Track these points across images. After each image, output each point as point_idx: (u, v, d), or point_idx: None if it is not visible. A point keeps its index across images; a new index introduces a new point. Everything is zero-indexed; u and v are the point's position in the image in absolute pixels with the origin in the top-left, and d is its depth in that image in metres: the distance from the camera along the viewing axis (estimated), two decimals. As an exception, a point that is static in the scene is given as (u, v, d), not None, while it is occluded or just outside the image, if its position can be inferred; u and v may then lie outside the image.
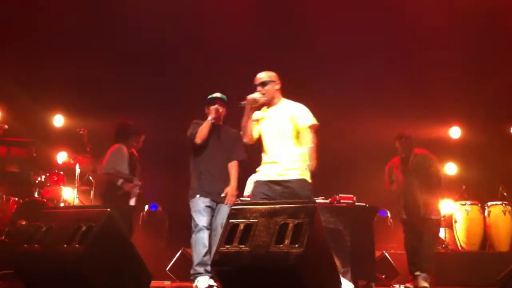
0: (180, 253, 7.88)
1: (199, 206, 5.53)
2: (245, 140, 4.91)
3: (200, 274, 5.32)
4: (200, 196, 5.57)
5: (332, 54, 9.08)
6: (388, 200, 7.95)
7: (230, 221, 3.52)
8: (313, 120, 4.88)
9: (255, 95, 4.84)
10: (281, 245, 3.23)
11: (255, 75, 4.99)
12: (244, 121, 4.84)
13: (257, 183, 4.82)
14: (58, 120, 9.31)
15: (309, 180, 4.80)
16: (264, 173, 4.82)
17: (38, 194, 7.74)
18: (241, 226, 3.44)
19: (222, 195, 5.68)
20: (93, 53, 9.13)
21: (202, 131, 5.65)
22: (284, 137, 4.82)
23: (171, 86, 9.44)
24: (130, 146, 6.64)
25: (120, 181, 6.36)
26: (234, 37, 9.04)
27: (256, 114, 4.96)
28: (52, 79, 9.12)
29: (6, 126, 7.73)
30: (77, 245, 3.46)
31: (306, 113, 4.89)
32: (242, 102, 4.80)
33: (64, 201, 7.85)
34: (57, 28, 9.16)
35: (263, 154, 4.93)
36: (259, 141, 4.97)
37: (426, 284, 6.19)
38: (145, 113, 8.76)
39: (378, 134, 7.72)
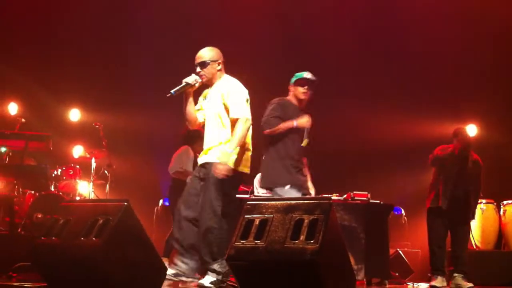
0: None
1: None
2: (189, 126, 4.74)
3: None
4: (292, 187, 5.30)
5: (347, 50, 9.06)
6: (402, 197, 7.94)
7: (245, 216, 3.53)
8: (245, 111, 4.51)
9: (190, 79, 4.54)
10: (297, 241, 3.23)
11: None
12: (183, 108, 4.59)
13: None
14: (75, 115, 9.39)
15: (231, 165, 4.43)
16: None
17: (54, 188, 7.80)
18: (257, 222, 3.45)
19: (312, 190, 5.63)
20: (110, 48, 9.19)
21: (278, 131, 5.32)
22: (219, 119, 4.55)
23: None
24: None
25: (189, 178, 6.56)
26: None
27: (200, 100, 4.75)
28: (69, 73, 9.19)
29: (23, 120, 7.81)
30: (94, 238, 3.48)
31: (238, 100, 4.51)
32: (172, 91, 4.45)
33: (80, 195, 7.92)
34: (74, 23, 9.23)
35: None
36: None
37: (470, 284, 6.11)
38: (161, 110, 8.83)
39: (393, 131, 7.70)
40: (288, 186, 5.27)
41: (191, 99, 4.65)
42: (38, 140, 5.98)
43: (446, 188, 6.21)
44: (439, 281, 6.10)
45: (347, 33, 8.99)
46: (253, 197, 6.82)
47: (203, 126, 4.76)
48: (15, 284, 3.92)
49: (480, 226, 7.43)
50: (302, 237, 3.24)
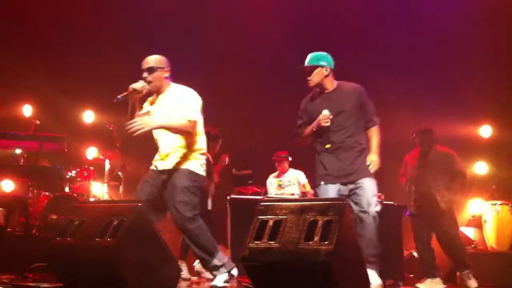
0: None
1: None
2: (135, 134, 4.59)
3: None
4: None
5: (360, 53, 9.05)
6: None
7: (259, 217, 3.54)
8: (192, 115, 4.53)
9: (137, 85, 4.51)
10: (311, 242, 3.24)
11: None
12: (130, 114, 4.57)
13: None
14: (89, 116, 9.45)
15: (193, 170, 4.55)
16: (154, 163, 4.70)
17: (68, 189, 7.86)
18: (270, 223, 3.46)
19: None
20: (125, 49, 9.23)
21: (304, 140, 5.13)
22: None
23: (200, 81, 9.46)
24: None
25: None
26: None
27: (145, 107, 4.72)
28: (83, 75, 9.25)
29: (37, 122, 7.88)
30: (108, 239, 3.51)
31: (189, 104, 4.55)
32: (119, 96, 4.44)
33: (94, 196, 7.97)
34: (88, 24, 9.28)
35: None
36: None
37: (475, 284, 6.11)
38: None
39: (406, 133, 7.64)
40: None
41: (137, 106, 4.65)
42: (53, 142, 6.03)
43: (410, 193, 6.46)
44: (426, 283, 6.15)
45: (357, 30, 8.98)
46: (266, 198, 6.83)
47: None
48: (31, 284, 3.96)
49: (495, 228, 7.38)
50: (316, 238, 3.24)
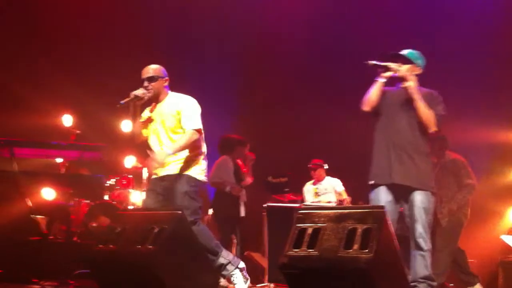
0: (244, 257, 7.95)
1: None
2: (133, 140, 4.88)
3: None
4: None
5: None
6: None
7: (298, 225, 3.54)
8: (197, 124, 4.76)
9: (138, 92, 4.71)
10: (350, 250, 3.23)
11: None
12: (132, 119, 4.77)
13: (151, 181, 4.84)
14: (127, 125, 9.58)
15: (193, 175, 4.68)
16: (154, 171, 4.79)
17: (108, 197, 7.99)
18: (309, 230, 3.46)
19: None
20: (162, 59, 9.35)
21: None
22: (169, 133, 4.75)
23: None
24: (236, 157, 7.21)
25: (227, 188, 7.04)
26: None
27: (145, 114, 4.89)
28: (121, 85, 9.38)
29: (77, 131, 8.05)
30: (149, 246, 3.56)
31: (192, 114, 4.77)
32: (122, 102, 4.66)
33: (132, 204, 8.07)
34: (125, 36, 9.44)
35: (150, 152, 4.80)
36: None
37: None
38: (208, 119, 8.93)
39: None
40: None
41: (137, 112, 4.84)
42: (94, 151, 6.17)
43: None
44: None
45: (392, 32, 8.93)
46: (304, 206, 6.82)
47: (146, 140, 4.93)
48: (73, 291, 4.03)
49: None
50: (355, 246, 3.23)
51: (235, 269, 4.72)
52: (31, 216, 5.44)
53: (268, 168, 8.30)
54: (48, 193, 7.26)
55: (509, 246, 7.84)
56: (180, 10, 9.60)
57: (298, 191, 8.09)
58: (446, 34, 8.91)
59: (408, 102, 4.51)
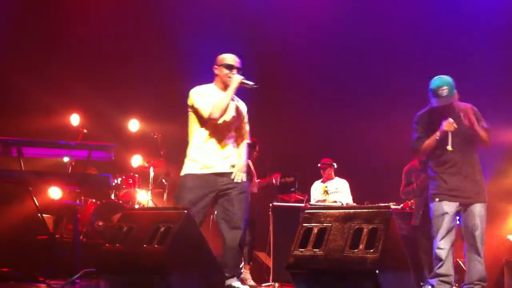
0: (253, 257, 7.97)
1: None
2: (218, 117, 4.60)
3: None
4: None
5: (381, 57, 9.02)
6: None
7: (304, 225, 3.55)
8: None
9: (247, 80, 4.74)
10: (356, 250, 3.24)
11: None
12: (229, 100, 4.65)
13: None
14: (134, 125, 9.62)
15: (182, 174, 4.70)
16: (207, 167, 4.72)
17: (114, 196, 8.02)
18: (315, 230, 3.47)
19: None
20: (169, 59, 9.37)
21: (426, 150, 5.16)
22: (232, 132, 4.81)
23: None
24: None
25: None
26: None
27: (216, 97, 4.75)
28: (129, 84, 9.42)
29: (85, 131, 8.08)
30: (156, 245, 3.58)
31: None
32: (255, 85, 4.70)
33: (139, 203, 8.11)
34: (134, 35, 9.47)
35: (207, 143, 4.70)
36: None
37: None
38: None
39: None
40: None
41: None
42: (102, 150, 6.15)
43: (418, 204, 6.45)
44: None
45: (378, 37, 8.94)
46: (310, 206, 6.84)
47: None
48: (79, 290, 4.06)
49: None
50: (361, 246, 3.24)
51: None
52: (39, 215, 5.46)
53: (275, 168, 8.31)
54: (55, 192, 7.30)
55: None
56: (192, 7, 9.63)
57: (305, 191, 8.10)
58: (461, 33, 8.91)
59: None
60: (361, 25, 9.28)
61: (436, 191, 5.10)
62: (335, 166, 8.06)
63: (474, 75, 8.59)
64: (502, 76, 8.60)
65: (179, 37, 9.38)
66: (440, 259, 4.99)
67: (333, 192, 7.95)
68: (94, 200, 7.78)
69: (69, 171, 7.46)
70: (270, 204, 7.50)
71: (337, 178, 8.07)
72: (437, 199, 5.06)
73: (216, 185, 4.61)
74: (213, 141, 4.68)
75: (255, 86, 4.73)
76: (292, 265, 3.40)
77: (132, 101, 9.43)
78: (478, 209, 5.00)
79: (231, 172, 4.68)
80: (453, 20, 9.07)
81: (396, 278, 3.39)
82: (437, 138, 5.01)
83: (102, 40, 9.45)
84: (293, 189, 7.81)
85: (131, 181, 8.19)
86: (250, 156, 7.40)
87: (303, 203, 7.57)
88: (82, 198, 7.58)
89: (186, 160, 4.71)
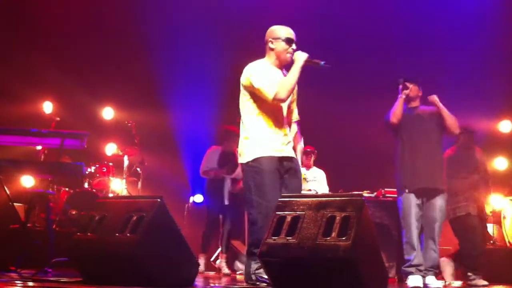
0: (229, 246, 7.98)
1: None
2: (285, 98, 4.22)
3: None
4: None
5: (365, 44, 9.05)
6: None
7: (277, 213, 3.56)
8: None
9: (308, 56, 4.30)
10: (328, 238, 3.25)
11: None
12: (296, 80, 4.26)
13: None
14: (108, 113, 9.52)
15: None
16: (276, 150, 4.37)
17: (88, 185, 7.95)
18: (288, 218, 3.47)
19: None
20: (143, 46, 9.27)
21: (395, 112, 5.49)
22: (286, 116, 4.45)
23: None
24: (227, 147, 7.46)
25: (211, 175, 7.45)
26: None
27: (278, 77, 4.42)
28: (103, 72, 9.32)
29: (57, 118, 7.97)
30: (129, 234, 3.56)
31: None
32: (326, 64, 4.28)
33: (113, 192, 8.05)
34: (108, 22, 9.35)
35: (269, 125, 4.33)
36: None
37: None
38: (192, 107, 8.94)
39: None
40: None
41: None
42: (74, 138, 6.08)
43: (466, 194, 6.30)
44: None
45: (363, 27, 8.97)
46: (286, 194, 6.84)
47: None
48: (51, 279, 4.01)
49: (512, 223, 7.34)
50: (334, 234, 3.25)
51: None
52: (10, 203, 5.38)
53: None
54: (27, 181, 7.21)
55: (488, 233, 7.95)
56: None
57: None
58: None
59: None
60: (339, 12, 9.29)
61: (404, 182, 5.39)
62: (315, 155, 8.08)
63: (443, 68, 8.72)
64: (468, 72, 8.73)
65: (153, 25, 9.29)
66: (413, 249, 5.24)
67: (311, 180, 7.97)
68: (67, 189, 7.69)
69: (42, 160, 7.35)
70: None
71: (314, 167, 8.09)
72: (406, 190, 5.34)
73: (281, 169, 4.27)
74: (275, 122, 4.30)
75: (327, 65, 4.27)
76: (264, 253, 3.41)
77: (106, 89, 9.34)
78: (439, 202, 5.36)
79: (293, 157, 4.38)
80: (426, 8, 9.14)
81: (369, 265, 3.42)
82: (403, 97, 5.47)
83: (76, 28, 9.31)
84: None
85: (105, 170, 8.12)
86: (229, 145, 7.45)
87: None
88: (55, 186, 7.48)
89: (251, 142, 4.26)
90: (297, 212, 3.48)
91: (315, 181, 7.92)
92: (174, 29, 9.33)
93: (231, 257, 7.71)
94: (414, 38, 9.02)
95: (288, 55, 4.30)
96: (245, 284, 4.16)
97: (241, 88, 4.33)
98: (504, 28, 8.65)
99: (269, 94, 4.16)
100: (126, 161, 8.29)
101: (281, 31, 4.34)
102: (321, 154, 8.19)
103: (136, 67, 9.29)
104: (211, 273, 7.47)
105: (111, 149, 8.80)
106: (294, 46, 4.32)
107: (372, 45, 9.08)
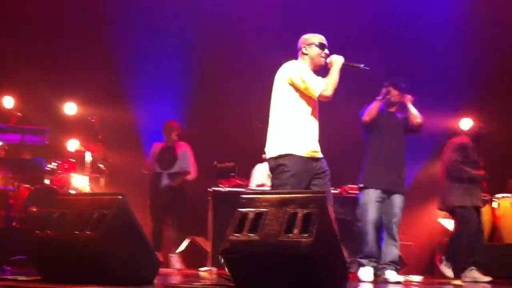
0: (188, 242, 7.98)
1: None
2: (331, 96, 4.35)
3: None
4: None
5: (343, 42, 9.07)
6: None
7: (240, 209, 3.55)
8: None
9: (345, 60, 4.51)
10: (291, 234, 3.26)
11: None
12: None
13: None
14: (70, 108, 9.38)
15: None
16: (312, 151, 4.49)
17: (49, 181, 7.82)
18: (251, 215, 3.47)
19: None
20: (106, 41, 9.17)
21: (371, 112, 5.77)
22: None
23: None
24: (168, 141, 7.62)
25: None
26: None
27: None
28: (65, 67, 9.18)
29: (19, 114, 7.82)
30: (88, 232, 3.51)
31: None
32: (365, 66, 4.48)
33: (75, 189, 7.94)
34: (71, 16, 9.22)
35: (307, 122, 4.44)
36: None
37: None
38: (156, 104, 8.87)
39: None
40: None
41: None
42: (35, 134, 6.02)
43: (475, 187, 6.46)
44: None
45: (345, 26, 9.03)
46: (248, 191, 6.86)
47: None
48: (9, 277, 3.93)
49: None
50: (296, 231, 3.26)
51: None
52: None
53: (215, 153, 8.29)
54: (-14, 178, 7.06)
55: (446, 228, 8.11)
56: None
57: (244, 176, 8.11)
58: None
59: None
60: (309, 15, 9.33)
61: (368, 178, 5.67)
62: None
63: (413, 65, 8.84)
64: (439, 68, 8.86)
65: (117, 20, 9.20)
66: (368, 242, 5.55)
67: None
68: (27, 186, 7.55)
69: (2, 156, 7.20)
70: (209, 189, 7.50)
71: None
72: (368, 186, 5.63)
73: (312, 172, 4.38)
74: (311, 121, 4.42)
75: (366, 68, 4.46)
76: (226, 250, 3.39)
77: (69, 84, 9.19)
78: (398, 199, 5.61)
79: (323, 157, 4.52)
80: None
81: (330, 261, 3.44)
82: (381, 100, 5.77)
83: (38, 22, 9.15)
84: (232, 174, 7.82)
85: (67, 166, 8.00)
86: (168, 139, 7.54)
87: (242, 188, 7.59)
88: (15, 183, 7.35)
89: (287, 138, 4.33)
90: (260, 209, 3.47)
91: None
92: (137, 25, 9.26)
93: (194, 253, 7.73)
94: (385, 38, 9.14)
95: (322, 59, 4.50)
96: (206, 281, 4.16)
97: (282, 84, 4.39)
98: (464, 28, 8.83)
99: (316, 91, 4.29)
100: (89, 157, 8.18)
101: (314, 38, 4.56)
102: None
103: (99, 62, 9.18)
104: (174, 270, 7.43)
105: (73, 145, 8.68)
106: (326, 51, 4.53)
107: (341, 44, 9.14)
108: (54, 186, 7.67)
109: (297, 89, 4.34)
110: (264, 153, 8.01)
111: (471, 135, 6.60)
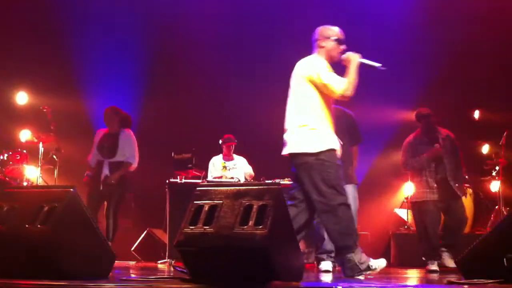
0: (146, 234, 7.91)
1: None
2: (351, 94, 4.33)
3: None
4: None
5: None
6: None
7: (195, 202, 3.52)
8: None
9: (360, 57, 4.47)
10: (246, 226, 3.25)
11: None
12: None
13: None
14: (22, 98, 9.14)
15: None
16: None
17: (0, 173, 7.63)
18: (206, 207, 3.45)
19: None
20: (58, 29, 8.99)
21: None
22: None
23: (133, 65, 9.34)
24: (113, 128, 7.02)
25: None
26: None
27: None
28: (16, 55, 8.95)
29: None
30: (39, 225, 3.42)
31: None
32: (382, 66, 4.44)
33: (27, 180, 7.76)
34: (25, 5, 9.00)
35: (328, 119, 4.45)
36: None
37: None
38: (109, 93, 8.73)
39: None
40: None
41: None
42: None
43: (422, 180, 6.42)
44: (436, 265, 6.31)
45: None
46: (204, 183, 6.83)
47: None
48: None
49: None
50: (251, 223, 3.25)
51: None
52: None
53: (172, 145, 8.23)
54: None
55: (401, 219, 8.25)
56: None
57: (202, 167, 8.08)
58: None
59: None
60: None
61: None
62: (236, 143, 8.08)
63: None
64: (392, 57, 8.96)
65: (69, 9, 9.02)
66: (323, 238, 5.61)
67: (231, 168, 7.98)
68: (-23, 178, 7.35)
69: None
70: (166, 180, 7.44)
71: (234, 155, 8.10)
72: None
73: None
74: (331, 116, 4.44)
75: (382, 67, 4.41)
76: (181, 242, 3.37)
77: (20, 73, 8.96)
78: (350, 189, 5.52)
79: None
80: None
81: (285, 253, 3.45)
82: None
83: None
84: (190, 165, 7.78)
85: (18, 157, 7.81)
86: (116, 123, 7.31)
87: (200, 179, 7.56)
88: (-35, 175, 7.14)
89: (323, 132, 4.37)
90: (215, 201, 3.45)
91: (235, 169, 7.94)
92: (90, 14, 9.10)
93: (150, 245, 7.66)
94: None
95: (338, 54, 4.45)
96: (165, 274, 4.12)
97: (303, 80, 4.37)
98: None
99: (337, 90, 4.27)
100: (41, 148, 7.98)
101: (331, 31, 4.49)
102: (243, 142, 8.22)
103: (51, 50, 8.98)
104: (131, 263, 7.36)
105: (25, 135, 8.46)
106: (343, 46, 4.47)
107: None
108: (6, 178, 7.48)
109: (316, 87, 4.35)
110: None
111: (417, 121, 6.63)
